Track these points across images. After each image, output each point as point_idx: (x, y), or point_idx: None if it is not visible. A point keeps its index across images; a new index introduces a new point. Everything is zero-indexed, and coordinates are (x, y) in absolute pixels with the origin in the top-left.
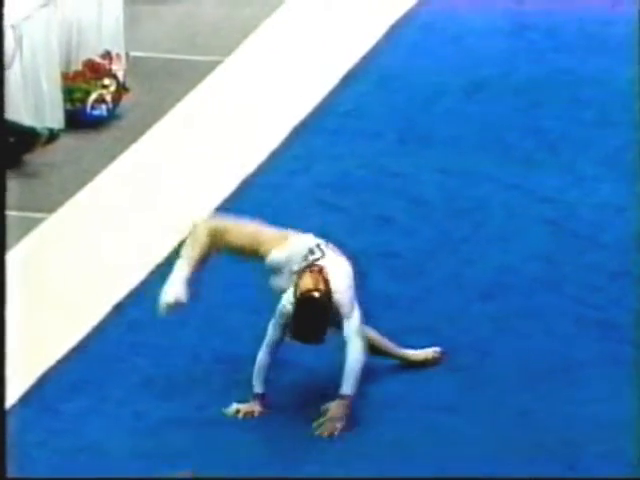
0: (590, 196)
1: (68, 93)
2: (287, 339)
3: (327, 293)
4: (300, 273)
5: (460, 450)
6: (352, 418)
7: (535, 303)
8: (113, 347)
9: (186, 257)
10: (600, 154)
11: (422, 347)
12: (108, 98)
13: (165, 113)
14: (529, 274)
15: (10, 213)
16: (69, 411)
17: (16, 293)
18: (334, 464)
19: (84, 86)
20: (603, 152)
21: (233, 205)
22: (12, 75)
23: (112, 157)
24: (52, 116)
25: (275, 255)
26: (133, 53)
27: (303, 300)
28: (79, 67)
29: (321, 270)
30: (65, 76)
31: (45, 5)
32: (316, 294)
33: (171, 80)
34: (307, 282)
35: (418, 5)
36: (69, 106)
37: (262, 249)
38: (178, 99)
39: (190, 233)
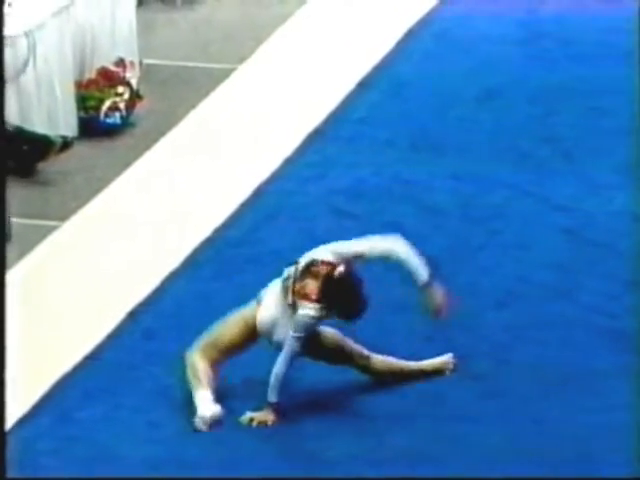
0: (605, 204)
1: (82, 101)
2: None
3: (333, 269)
4: (297, 284)
5: (475, 459)
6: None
7: (550, 312)
8: (127, 355)
9: (198, 385)
10: (616, 162)
11: (437, 355)
12: (122, 106)
13: (179, 121)
14: (544, 282)
15: (23, 221)
16: (83, 419)
17: (30, 301)
18: (348, 474)
19: (98, 94)
20: (618, 160)
21: (247, 213)
22: (26, 83)
23: (126, 165)
24: (66, 124)
25: (262, 315)
26: (147, 60)
27: (338, 279)
28: (93, 75)
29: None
30: (79, 84)
31: (58, 13)
32: (337, 271)
33: (185, 88)
34: (311, 286)
35: (432, 13)
36: (83, 114)
37: (250, 323)
38: (192, 106)
39: (188, 368)
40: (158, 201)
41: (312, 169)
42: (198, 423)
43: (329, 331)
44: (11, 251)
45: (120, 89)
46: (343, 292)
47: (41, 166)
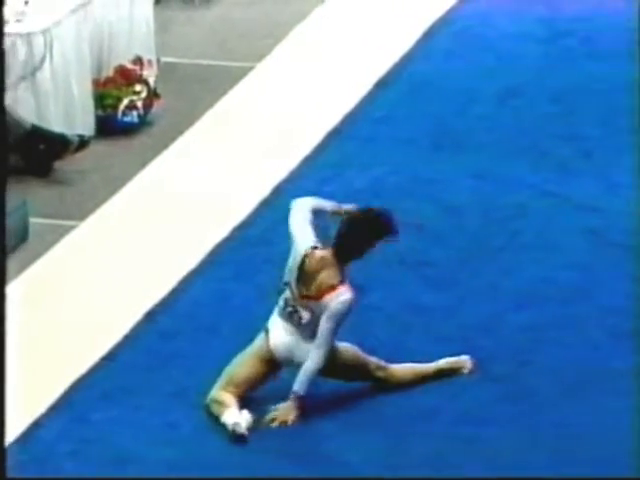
0: (626, 204)
1: (99, 99)
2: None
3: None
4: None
5: (496, 462)
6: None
7: (572, 313)
8: (144, 356)
9: (223, 409)
10: (637, 161)
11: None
12: (139, 104)
13: (196, 119)
14: (565, 283)
15: (40, 221)
16: (100, 421)
17: (46, 301)
18: (366, 477)
19: (115, 92)
20: None
21: (265, 212)
22: (43, 81)
23: (143, 164)
24: (83, 123)
25: (276, 345)
26: (164, 59)
27: (350, 222)
28: (110, 73)
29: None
30: (96, 82)
31: (76, 10)
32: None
33: (202, 86)
34: (324, 276)
35: (452, 11)
36: (100, 113)
37: (263, 356)
38: (210, 105)
39: (212, 406)
40: (175, 200)
41: (331, 168)
42: (239, 428)
43: (345, 346)
44: (28, 251)
45: (138, 87)
46: (365, 225)
47: (58, 165)
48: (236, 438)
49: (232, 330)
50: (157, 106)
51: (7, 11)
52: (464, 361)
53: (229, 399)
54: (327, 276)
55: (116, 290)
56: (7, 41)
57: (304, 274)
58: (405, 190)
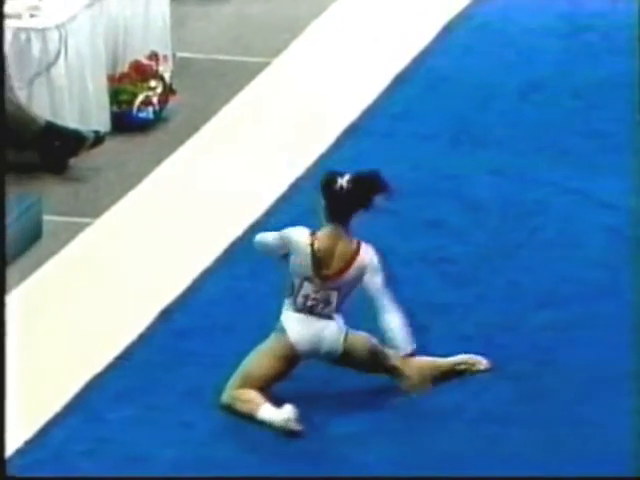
0: None
1: (114, 95)
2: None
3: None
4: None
5: (517, 462)
6: None
7: (594, 311)
8: (160, 355)
9: (254, 407)
10: None
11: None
12: (155, 100)
13: (213, 115)
14: (588, 281)
15: (55, 218)
16: (115, 420)
17: (61, 299)
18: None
19: (130, 88)
20: None
21: (283, 209)
22: (57, 77)
23: (159, 160)
24: (98, 119)
25: (298, 340)
26: (180, 54)
27: (346, 192)
28: (125, 69)
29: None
30: (111, 78)
31: (91, 5)
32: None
33: (219, 81)
34: (341, 250)
35: (471, 5)
36: (115, 108)
37: (279, 354)
38: (226, 101)
39: (235, 403)
40: (191, 197)
41: (348, 164)
42: (292, 424)
43: (361, 334)
44: (42, 249)
45: (153, 83)
46: (362, 188)
47: (73, 162)
48: (291, 433)
49: (248, 328)
50: (173, 102)
51: (21, 6)
52: (479, 360)
53: (257, 396)
54: (343, 246)
55: (131, 288)
56: (21, 36)
57: (320, 258)
58: (424, 187)
